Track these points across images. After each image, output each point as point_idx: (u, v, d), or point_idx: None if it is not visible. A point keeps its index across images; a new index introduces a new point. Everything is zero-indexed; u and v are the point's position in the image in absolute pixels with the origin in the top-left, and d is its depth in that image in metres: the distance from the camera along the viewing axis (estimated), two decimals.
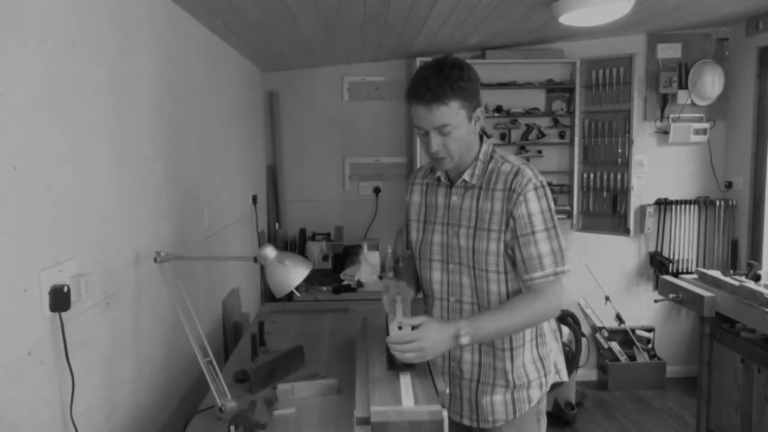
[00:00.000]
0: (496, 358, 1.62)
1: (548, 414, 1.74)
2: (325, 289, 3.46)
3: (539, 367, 1.65)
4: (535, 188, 1.51)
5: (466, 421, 1.69)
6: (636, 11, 2.91)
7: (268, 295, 3.66)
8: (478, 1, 2.60)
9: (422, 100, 1.47)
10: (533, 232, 1.51)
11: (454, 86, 1.46)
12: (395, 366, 1.44)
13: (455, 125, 1.49)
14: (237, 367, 1.95)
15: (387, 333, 1.48)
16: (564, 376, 1.73)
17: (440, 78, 1.46)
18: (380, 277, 3.58)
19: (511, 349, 1.61)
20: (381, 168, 4.07)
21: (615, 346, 4.05)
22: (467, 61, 1.56)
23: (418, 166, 3.78)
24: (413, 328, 1.44)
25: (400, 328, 1.46)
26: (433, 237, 1.67)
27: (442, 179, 1.66)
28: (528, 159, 4.01)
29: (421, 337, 1.40)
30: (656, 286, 3.88)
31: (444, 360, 1.70)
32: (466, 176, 1.59)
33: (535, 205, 1.51)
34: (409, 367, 1.45)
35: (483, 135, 1.64)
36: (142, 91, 1.79)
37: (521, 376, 1.63)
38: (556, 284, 1.53)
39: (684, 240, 4.11)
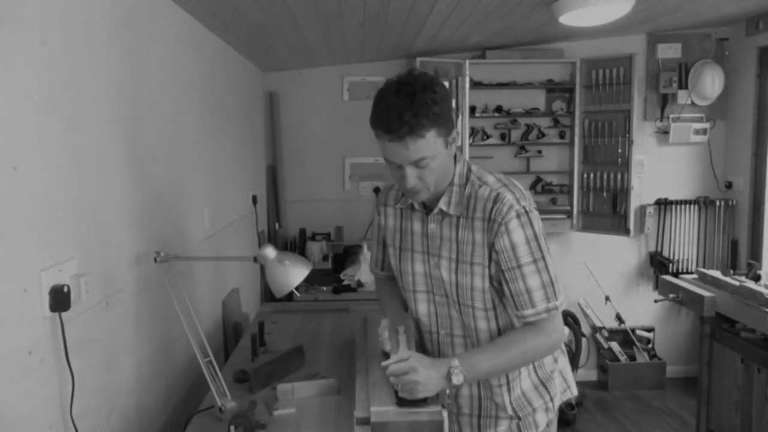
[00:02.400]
0: (493, 394, 1.51)
1: None
2: (325, 289, 3.46)
3: (542, 392, 1.54)
4: (518, 215, 1.34)
5: None
6: (636, 11, 2.91)
7: (268, 295, 3.65)
8: (478, 1, 2.60)
9: (396, 135, 1.27)
10: (519, 266, 1.35)
11: (429, 114, 1.26)
12: (403, 402, 1.32)
13: (433, 156, 1.31)
14: (237, 367, 1.95)
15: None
16: (574, 391, 1.63)
17: (414, 107, 1.25)
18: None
19: (507, 383, 1.50)
20: (381, 168, 4.06)
21: (615, 346, 4.05)
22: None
23: None
24: None
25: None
26: (414, 267, 1.51)
27: (416, 206, 1.49)
28: (528, 159, 4.02)
29: (414, 368, 1.28)
30: (656, 286, 3.88)
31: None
32: (442, 205, 1.41)
33: (519, 236, 1.35)
34: (419, 402, 1.32)
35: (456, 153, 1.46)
36: (142, 90, 1.79)
37: (524, 406, 1.52)
38: (552, 320, 1.39)
39: (684, 240, 4.11)
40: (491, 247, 1.37)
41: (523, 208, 1.36)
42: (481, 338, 1.48)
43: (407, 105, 1.25)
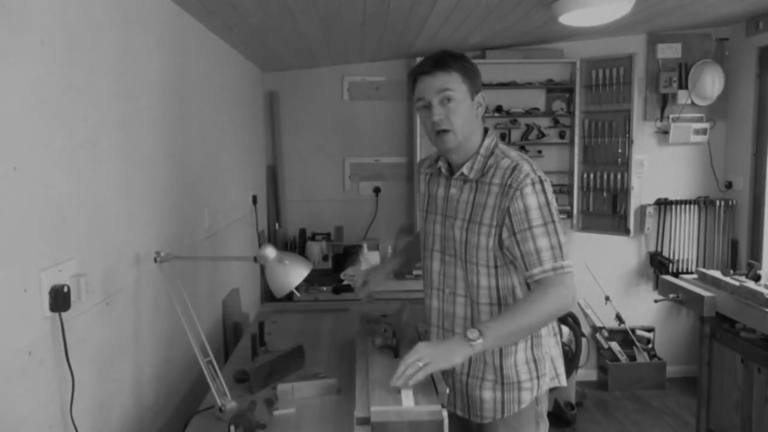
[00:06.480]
0: (485, 352, 1.60)
1: (548, 414, 1.73)
2: (325, 289, 3.46)
3: (531, 368, 1.62)
4: (533, 183, 1.50)
5: (459, 413, 1.70)
6: (636, 11, 2.91)
7: (268, 295, 3.66)
8: (478, 1, 2.60)
9: (425, 69, 1.55)
10: (530, 228, 1.49)
11: (457, 61, 1.55)
12: None
13: (457, 97, 1.53)
14: (237, 367, 1.95)
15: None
16: (563, 381, 1.69)
17: (444, 54, 1.56)
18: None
19: (501, 347, 1.60)
20: (381, 168, 4.07)
21: (615, 346, 4.05)
22: None
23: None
24: None
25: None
26: (434, 228, 1.70)
27: (443, 170, 1.68)
28: None
29: (417, 351, 1.39)
30: (656, 286, 3.88)
31: None
32: (464, 170, 1.60)
33: (532, 200, 1.49)
34: None
35: (487, 129, 1.65)
36: (142, 91, 1.79)
37: (511, 375, 1.61)
38: (560, 279, 1.48)
39: (684, 240, 4.11)
40: (505, 210, 1.52)
41: (538, 177, 1.52)
42: (481, 294, 1.60)
43: (439, 53, 1.56)
